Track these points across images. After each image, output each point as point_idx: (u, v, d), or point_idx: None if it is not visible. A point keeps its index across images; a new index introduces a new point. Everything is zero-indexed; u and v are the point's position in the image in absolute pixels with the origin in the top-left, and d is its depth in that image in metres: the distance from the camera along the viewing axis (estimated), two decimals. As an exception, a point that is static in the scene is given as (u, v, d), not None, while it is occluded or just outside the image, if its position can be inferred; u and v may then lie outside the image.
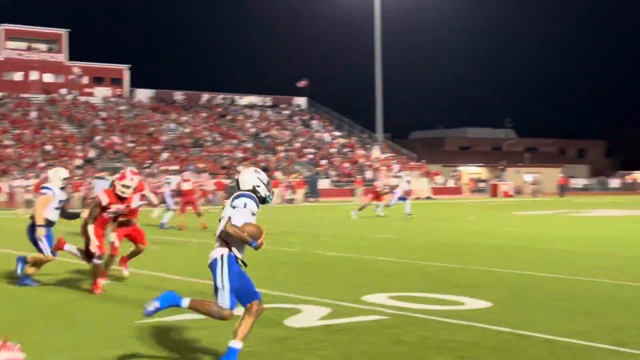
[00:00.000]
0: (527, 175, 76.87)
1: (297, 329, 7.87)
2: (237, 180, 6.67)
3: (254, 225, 6.28)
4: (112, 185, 10.85)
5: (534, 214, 32.86)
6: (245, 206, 6.30)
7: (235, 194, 6.51)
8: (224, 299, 6.25)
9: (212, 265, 6.30)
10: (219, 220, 6.39)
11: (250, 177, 6.62)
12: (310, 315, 8.54)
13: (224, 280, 6.25)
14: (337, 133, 75.22)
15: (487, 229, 22.95)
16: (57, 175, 11.28)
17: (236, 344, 6.19)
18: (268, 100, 79.65)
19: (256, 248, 6.26)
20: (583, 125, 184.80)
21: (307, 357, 6.73)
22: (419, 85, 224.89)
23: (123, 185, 10.67)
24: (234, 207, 6.30)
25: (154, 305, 6.26)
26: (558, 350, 6.88)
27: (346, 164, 66.35)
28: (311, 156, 66.55)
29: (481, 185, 75.55)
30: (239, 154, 62.93)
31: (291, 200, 49.01)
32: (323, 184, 58.87)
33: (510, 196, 62.21)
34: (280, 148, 66.79)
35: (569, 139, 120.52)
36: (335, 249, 16.65)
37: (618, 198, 57.52)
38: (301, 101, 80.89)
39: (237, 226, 6.17)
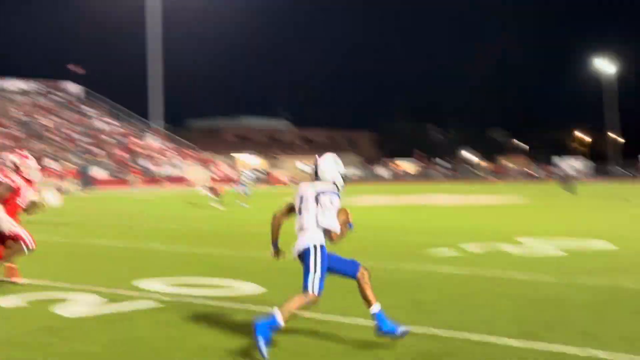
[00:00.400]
0: (302, 164, 79.27)
1: (68, 318, 7.77)
2: (316, 168, 6.65)
3: (342, 214, 6.56)
4: (15, 166, 9.77)
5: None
6: (332, 203, 6.45)
7: (320, 189, 6.52)
8: (315, 283, 6.41)
9: (305, 252, 6.49)
10: (300, 211, 6.57)
11: (331, 167, 6.67)
12: (82, 304, 8.45)
13: (317, 266, 6.44)
14: (113, 121, 73.37)
15: (263, 217, 23.53)
16: None
17: (376, 307, 6.56)
18: (38, 85, 76.00)
19: (351, 228, 6.64)
20: (354, 116, 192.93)
21: (77, 345, 6.69)
22: (196, 75, 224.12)
23: (28, 167, 9.80)
24: (321, 205, 6.45)
25: (261, 344, 6.08)
26: (321, 326, 7.38)
27: (122, 153, 64.91)
28: (85, 144, 64.44)
29: (258, 174, 76.84)
30: (6, 142, 59.62)
31: (63, 190, 47.24)
32: (97, 173, 57.23)
33: (286, 185, 63.81)
34: (51, 135, 64.04)
35: (341, 129, 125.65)
36: (111, 238, 16.42)
37: (384, 186, 60.86)
38: (74, 88, 77.97)
39: (338, 230, 6.50)
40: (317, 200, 6.49)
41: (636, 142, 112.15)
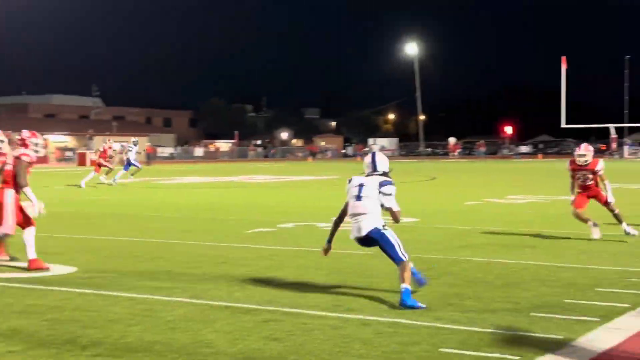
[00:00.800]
0: (115, 144, 77.10)
1: None
2: (374, 160, 7.81)
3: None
4: (24, 143, 9.72)
5: (122, 182, 33.28)
6: (393, 191, 7.66)
7: (381, 180, 7.66)
8: (403, 252, 7.46)
9: (375, 234, 7.52)
10: (359, 198, 7.58)
11: (385, 160, 7.90)
12: None
13: (395, 239, 7.52)
14: None
15: (76, 198, 22.89)
16: None
17: (406, 286, 7.30)
18: None
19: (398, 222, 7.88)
20: (169, 95, 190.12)
21: None
22: (4, 52, 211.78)
23: (36, 144, 9.84)
24: (384, 193, 7.58)
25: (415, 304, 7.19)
26: (139, 305, 7.37)
27: None
28: None
29: (68, 154, 74.20)
30: None
31: None
32: None
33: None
34: None
35: (156, 108, 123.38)
36: None
37: (201, 166, 60.62)
38: None
39: (399, 212, 7.74)
40: (381, 191, 7.60)
41: (438, 121, 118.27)
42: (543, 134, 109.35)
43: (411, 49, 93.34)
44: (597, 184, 12.20)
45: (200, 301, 7.55)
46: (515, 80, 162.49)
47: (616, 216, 12.15)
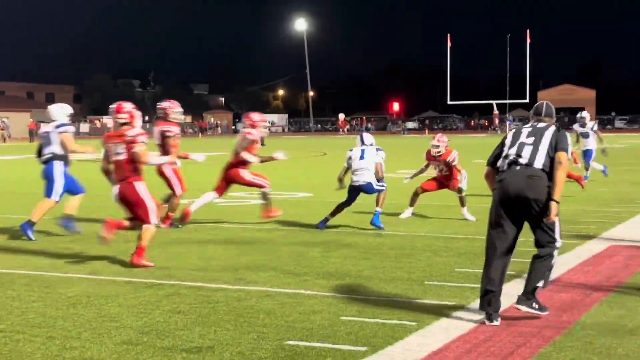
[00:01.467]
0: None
1: None
2: (362, 138, 11.00)
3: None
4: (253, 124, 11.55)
5: (3, 159, 32.26)
6: (384, 156, 11.08)
7: (376, 147, 10.97)
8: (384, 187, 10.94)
9: (370, 186, 10.71)
10: (361, 157, 10.72)
11: (370, 136, 11.12)
12: None
13: (379, 189, 10.78)
14: None
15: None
16: (62, 110, 11.11)
17: (379, 209, 10.80)
18: None
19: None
20: (51, 70, 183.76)
21: None
22: None
23: (176, 111, 11.73)
24: (380, 155, 10.93)
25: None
26: (36, 282, 7.34)
27: None
28: None
29: (-55, 130, 70.85)
30: None
31: None
32: None
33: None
34: None
35: (37, 83, 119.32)
36: None
37: (87, 142, 59.15)
38: None
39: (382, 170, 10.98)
40: (377, 152, 10.81)
41: (327, 97, 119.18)
42: (429, 110, 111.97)
43: (300, 25, 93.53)
44: (453, 176, 11.90)
45: (100, 277, 7.53)
46: (402, 57, 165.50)
47: (460, 199, 11.84)
